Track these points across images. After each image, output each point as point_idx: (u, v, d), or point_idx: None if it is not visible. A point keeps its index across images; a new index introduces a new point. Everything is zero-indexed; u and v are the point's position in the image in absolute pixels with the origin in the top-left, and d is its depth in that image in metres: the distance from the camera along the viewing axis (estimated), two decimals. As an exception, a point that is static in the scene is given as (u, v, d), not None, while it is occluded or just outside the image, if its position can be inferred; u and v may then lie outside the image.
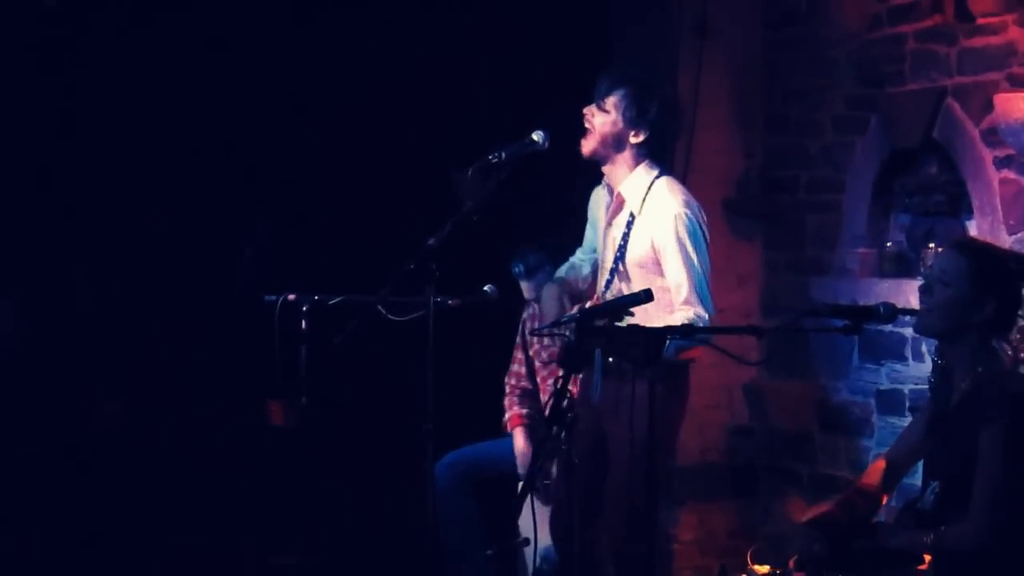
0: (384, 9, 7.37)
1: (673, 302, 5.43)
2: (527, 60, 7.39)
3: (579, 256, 5.97)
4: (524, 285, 6.87)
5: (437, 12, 7.34)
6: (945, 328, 4.55)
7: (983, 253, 4.61)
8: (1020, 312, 4.59)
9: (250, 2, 7.26)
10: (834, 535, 4.67)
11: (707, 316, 5.41)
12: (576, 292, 5.83)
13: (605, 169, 5.64)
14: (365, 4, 7.39)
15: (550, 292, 5.77)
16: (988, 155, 6.32)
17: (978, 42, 6.37)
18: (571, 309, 5.57)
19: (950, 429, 4.54)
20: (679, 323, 5.28)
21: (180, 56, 7.21)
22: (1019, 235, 6.17)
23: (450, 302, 5.59)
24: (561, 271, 5.96)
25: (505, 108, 6.76)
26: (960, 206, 6.61)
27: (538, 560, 5.99)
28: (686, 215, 5.48)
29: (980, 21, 6.34)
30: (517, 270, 6.87)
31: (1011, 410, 4.38)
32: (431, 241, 5.29)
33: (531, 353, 6.90)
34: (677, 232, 5.45)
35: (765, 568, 6.05)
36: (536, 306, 6.64)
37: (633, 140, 5.56)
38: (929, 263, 4.64)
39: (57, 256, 7.13)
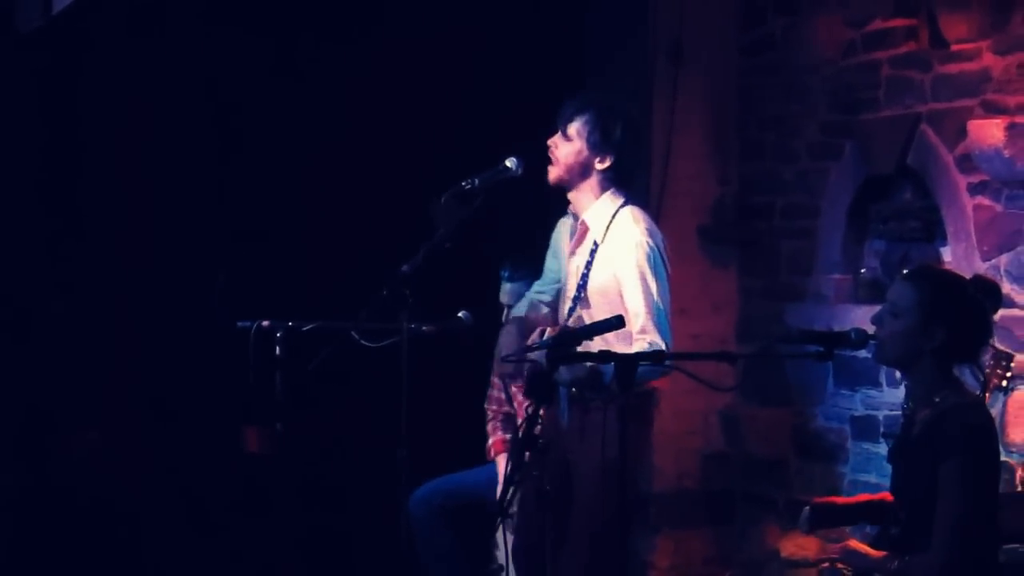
0: (360, 37, 7.37)
1: (631, 331, 5.28)
2: (502, 87, 7.39)
3: (536, 290, 5.89)
4: (505, 288, 6.79)
5: (411, 39, 7.33)
6: (897, 357, 4.56)
7: (935, 281, 4.59)
8: (989, 338, 4.60)
9: (221, 34, 7.25)
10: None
11: (664, 346, 5.26)
12: (536, 328, 5.76)
13: (571, 196, 5.54)
14: (341, 33, 7.39)
15: (510, 332, 5.72)
16: (962, 181, 6.34)
17: (953, 68, 6.40)
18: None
19: (912, 457, 4.54)
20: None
21: (160, 77, 7.20)
22: (993, 261, 6.19)
23: (424, 328, 5.58)
24: (520, 309, 5.90)
25: (480, 136, 6.75)
26: (935, 232, 6.63)
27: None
28: (647, 244, 5.36)
29: (955, 47, 6.37)
30: (505, 274, 6.78)
31: (969, 444, 4.36)
32: (405, 268, 5.29)
33: (507, 379, 6.85)
34: (637, 260, 5.33)
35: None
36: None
37: (599, 166, 5.46)
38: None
39: (32, 280, 7.10)
